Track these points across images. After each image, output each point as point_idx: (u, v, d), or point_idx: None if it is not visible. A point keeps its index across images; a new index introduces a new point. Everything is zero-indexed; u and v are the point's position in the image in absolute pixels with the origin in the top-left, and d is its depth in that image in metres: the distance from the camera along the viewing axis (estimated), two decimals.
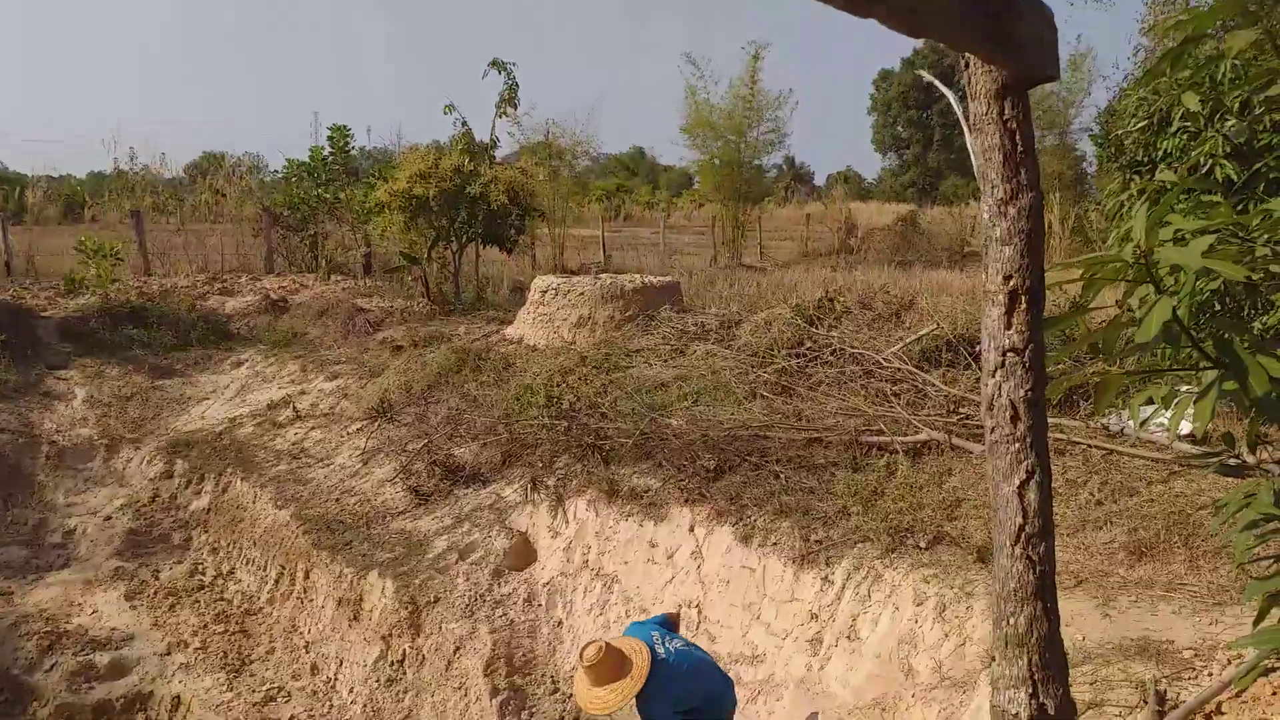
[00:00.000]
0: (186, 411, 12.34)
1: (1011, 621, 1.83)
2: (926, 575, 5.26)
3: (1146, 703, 3.64)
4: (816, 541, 5.94)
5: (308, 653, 7.60)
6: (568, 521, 7.49)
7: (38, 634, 7.87)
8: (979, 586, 5.01)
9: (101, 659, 7.61)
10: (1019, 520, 1.82)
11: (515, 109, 17.42)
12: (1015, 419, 1.83)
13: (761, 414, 7.83)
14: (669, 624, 5.07)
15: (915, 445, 6.94)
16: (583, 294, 11.92)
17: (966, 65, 1.90)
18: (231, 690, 7.27)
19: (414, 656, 6.91)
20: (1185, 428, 6.12)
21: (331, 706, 7.03)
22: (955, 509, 5.97)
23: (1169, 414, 2.35)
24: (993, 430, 1.87)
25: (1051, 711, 1.80)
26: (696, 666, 4.82)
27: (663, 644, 4.73)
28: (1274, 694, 3.38)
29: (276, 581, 8.43)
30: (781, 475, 6.83)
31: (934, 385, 7.94)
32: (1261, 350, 2.04)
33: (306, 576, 8.10)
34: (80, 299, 15.30)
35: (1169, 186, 3.19)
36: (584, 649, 4.59)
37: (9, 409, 11.46)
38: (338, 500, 8.96)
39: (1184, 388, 2.36)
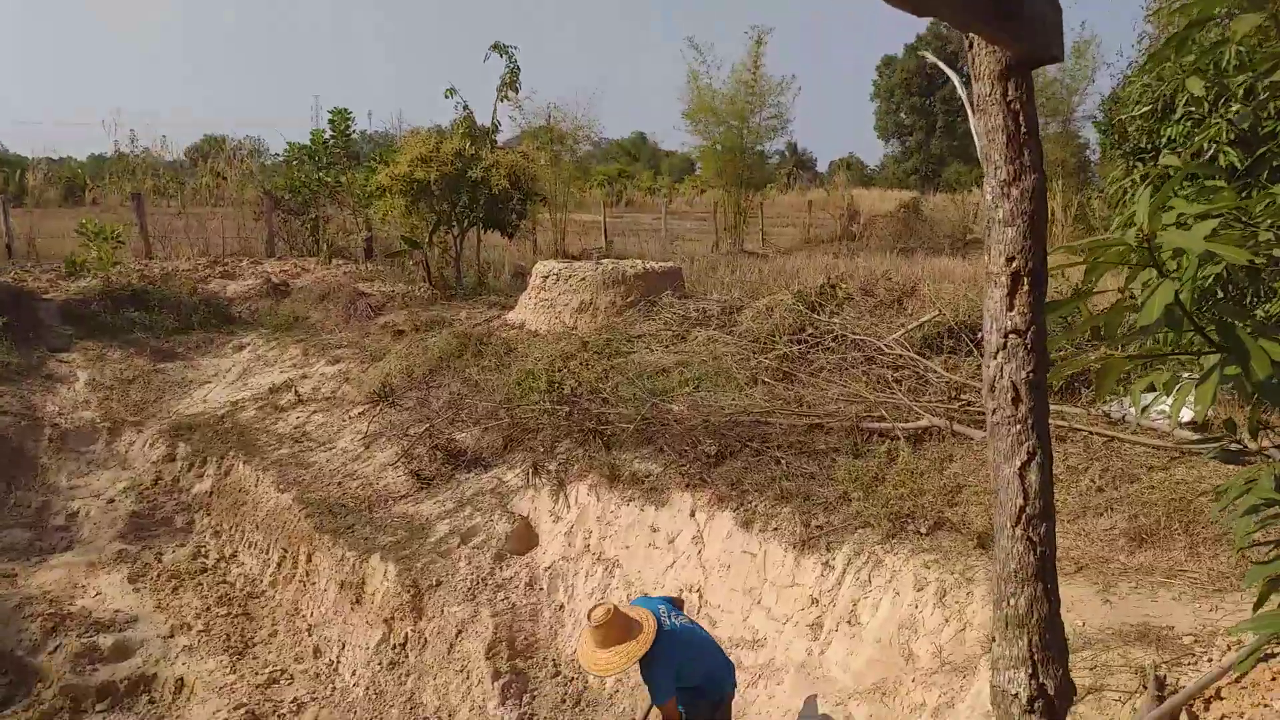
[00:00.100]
0: (188, 395, 12.36)
1: (1012, 602, 1.83)
2: (927, 561, 5.27)
3: (1146, 688, 3.65)
4: (817, 527, 5.96)
5: (310, 635, 7.63)
6: (569, 506, 7.51)
7: (41, 616, 7.91)
8: (979, 572, 5.03)
9: (105, 641, 7.65)
10: (1020, 501, 1.83)
11: (516, 93, 17.34)
12: (1017, 400, 1.83)
13: (763, 400, 7.84)
14: (675, 605, 5.11)
15: (916, 431, 6.95)
16: (584, 279, 11.91)
17: (970, 46, 1.89)
18: (234, 672, 7.30)
19: (416, 639, 6.94)
20: (1187, 415, 6.13)
21: (334, 689, 7.06)
22: (956, 495, 5.99)
23: (1170, 400, 2.36)
24: (994, 412, 1.87)
25: (1051, 692, 1.81)
26: (700, 644, 4.88)
27: (669, 618, 4.80)
28: (1273, 679, 3.40)
29: (279, 565, 8.46)
30: (782, 461, 6.84)
31: (935, 372, 7.94)
32: (1263, 335, 2.04)
33: (309, 560, 8.13)
34: (81, 282, 15.29)
35: (1172, 171, 3.19)
36: (592, 609, 4.63)
37: (11, 392, 11.48)
38: (340, 484, 8.98)
39: (1185, 375, 2.36)
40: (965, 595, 4.90)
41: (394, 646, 6.99)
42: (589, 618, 4.61)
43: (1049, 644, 1.82)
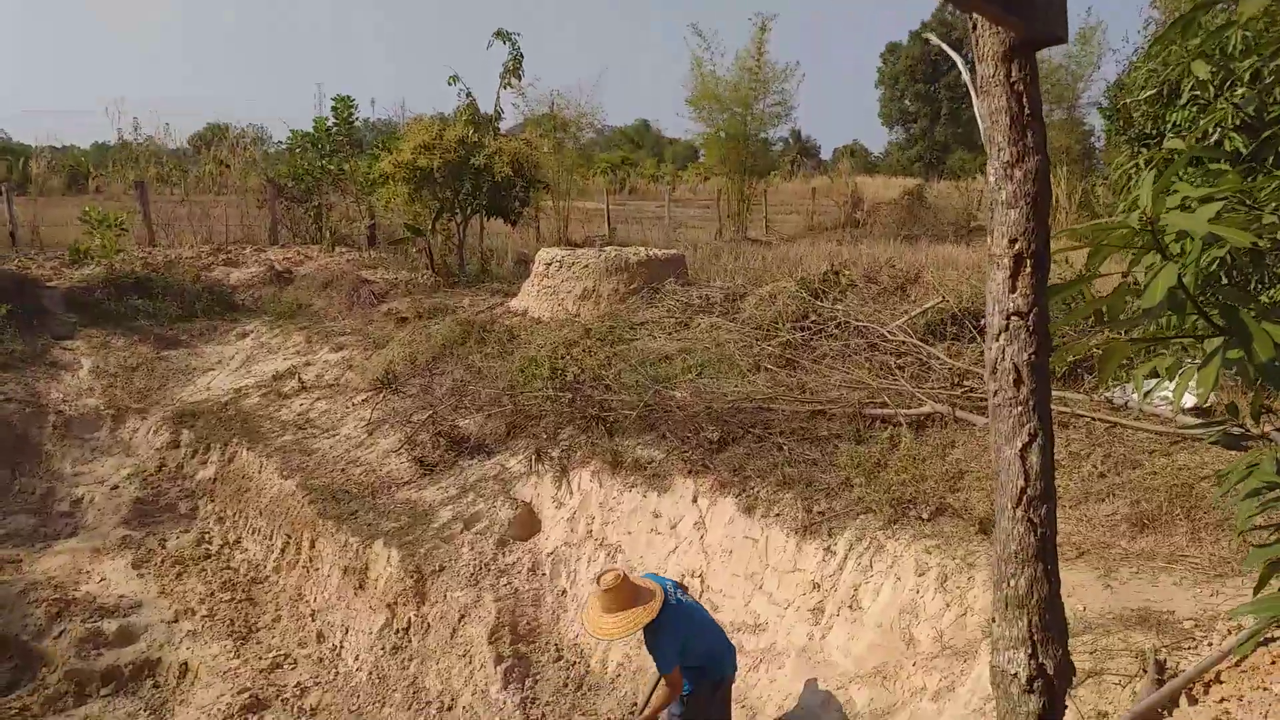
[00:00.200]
0: (192, 382, 12.38)
1: (1012, 583, 1.84)
2: (928, 546, 5.28)
3: (1146, 671, 3.66)
4: (819, 513, 5.97)
5: (314, 621, 7.66)
6: (572, 492, 7.52)
7: (46, 601, 7.95)
8: (981, 557, 5.04)
9: (110, 626, 7.68)
10: (1021, 483, 1.83)
11: (520, 80, 17.29)
12: (1018, 382, 1.83)
13: (765, 386, 7.84)
14: (679, 587, 5.16)
15: (919, 418, 6.95)
16: (587, 266, 11.91)
17: (974, 27, 1.88)
18: (238, 657, 7.33)
19: (419, 624, 6.96)
20: (1189, 400, 6.13)
21: (337, 673, 7.09)
22: (958, 481, 5.99)
23: (1173, 385, 2.35)
24: (996, 394, 1.87)
25: (1050, 672, 1.81)
26: (703, 623, 4.95)
27: (675, 594, 4.87)
28: (1273, 663, 3.40)
29: (282, 550, 8.49)
30: (785, 447, 6.85)
31: (938, 358, 7.94)
32: (1267, 318, 2.04)
33: (312, 546, 8.16)
34: (85, 269, 15.31)
35: (1176, 155, 3.17)
36: (602, 574, 4.69)
37: (16, 379, 11.51)
38: (343, 470, 9.00)
39: (1189, 360, 2.36)
40: (966, 580, 4.91)
41: (397, 631, 7.02)
42: (598, 582, 4.67)
43: (1049, 624, 1.82)
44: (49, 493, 9.90)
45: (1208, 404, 6.16)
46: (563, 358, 9.10)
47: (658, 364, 8.62)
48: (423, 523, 7.77)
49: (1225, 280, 5.68)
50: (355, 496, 8.42)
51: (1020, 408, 1.83)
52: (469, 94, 16.96)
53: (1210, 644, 3.81)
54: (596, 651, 6.33)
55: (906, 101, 55.67)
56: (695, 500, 6.69)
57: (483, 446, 8.58)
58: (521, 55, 16.98)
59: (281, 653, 7.40)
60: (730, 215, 25.14)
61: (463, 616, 6.74)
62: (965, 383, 7.50)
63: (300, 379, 11.41)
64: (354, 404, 10.33)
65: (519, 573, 7.12)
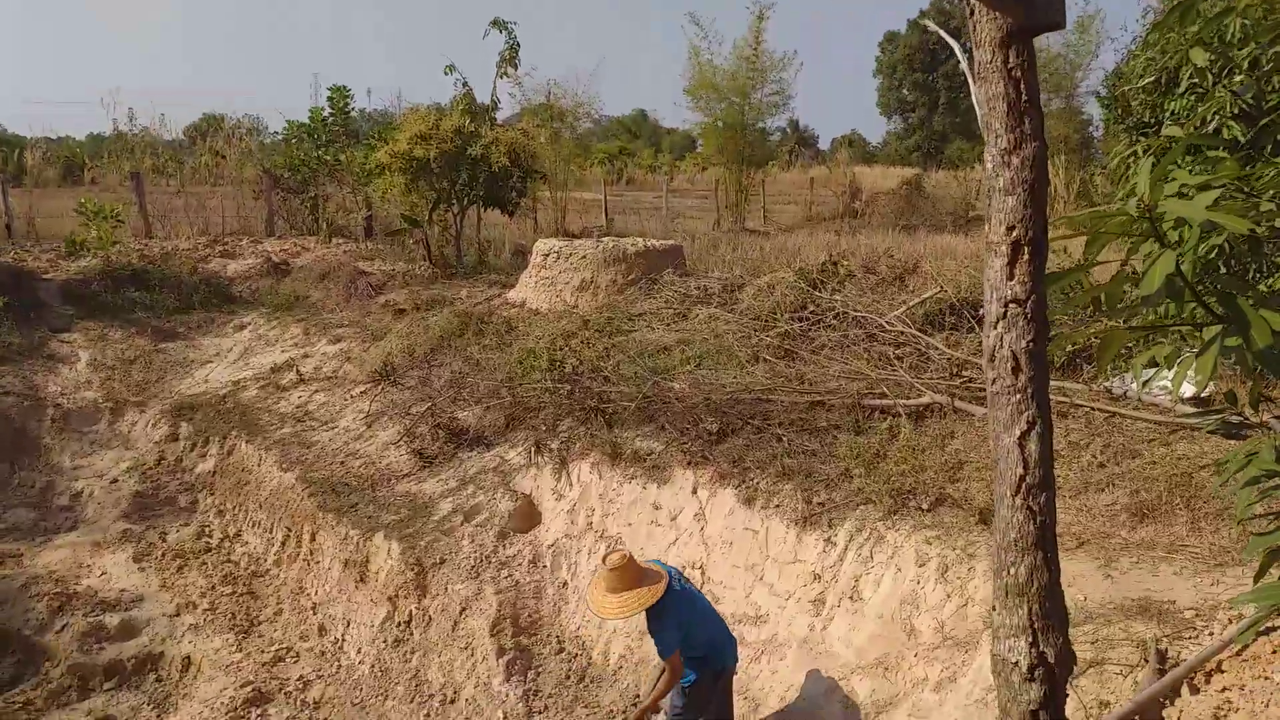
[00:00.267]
0: (190, 374, 12.38)
1: (1012, 571, 1.83)
2: (929, 537, 5.28)
3: (1147, 661, 3.67)
4: (819, 504, 5.96)
5: (315, 614, 7.67)
6: (571, 484, 7.52)
7: (48, 595, 7.96)
8: (981, 548, 5.04)
9: (111, 620, 7.69)
10: (1019, 471, 1.82)
11: (516, 69, 17.27)
12: (1017, 370, 1.83)
13: (764, 377, 7.84)
14: (683, 576, 5.19)
15: (918, 408, 6.94)
16: (585, 257, 11.89)
17: (972, 13, 1.87)
18: (241, 651, 7.34)
19: (420, 617, 6.97)
20: (1189, 390, 6.12)
21: (339, 666, 7.10)
22: (957, 471, 5.99)
23: (1171, 374, 2.35)
24: (994, 381, 1.87)
25: (1051, 660, 1.81)
26: (706, 612, 4.99)
27: (679, 581, 4.92)
28: (1274, 652, 3.41)
29: (283, 543, 8.49)
30: (784, 438, 6.84)
31: (937, 349, 7.93)
32: (1265, 306, 2.04)
33: (313, 539, 8.16)
34: (81, 261, 15.28)
35: (1174, 142, 3.16)
36: (608, 554, 4.74)
37: (13, 372, 11.50)
38: (342, 463, 9.00)
39: (1187, 350, 2.35)
40: (967, 571, 4.91)
41: (398, 624, 7.03)
42: (604, 561, 4.72)
43: (1049, 612, 1.82)
44: (48, 486, 9.90)
45: (1206, 393, 6.15)
46: (561, 349, 9.08)
47: (656, 355, 8.62)
48: (423, 515, 7.78)
49: (1223, 269, 5.67)
50: (355, 489, 8.42)
51: (1018, 395, 1.83)
52: (465, 84, 16.94)
53: (1211, 633, 3.81)
54: (598, 644, 6.34)
55: (905, 91, 55.56)
56: (695, 492, 6.69)
57: (482, 438, 8.57)
58: (518, 44, 16.99)
59: (283, 646, 7.41)
60: (728, 205, 25.09)
61: (464, 609, 6.75)
62: (964, 373, 7.50)
63: (298, 371, 11.40)
64: (352, 396, 10.33)
65: (520, 565, 7.12)
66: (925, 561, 5.12)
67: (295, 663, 7.23)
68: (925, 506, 5.61)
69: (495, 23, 16.77)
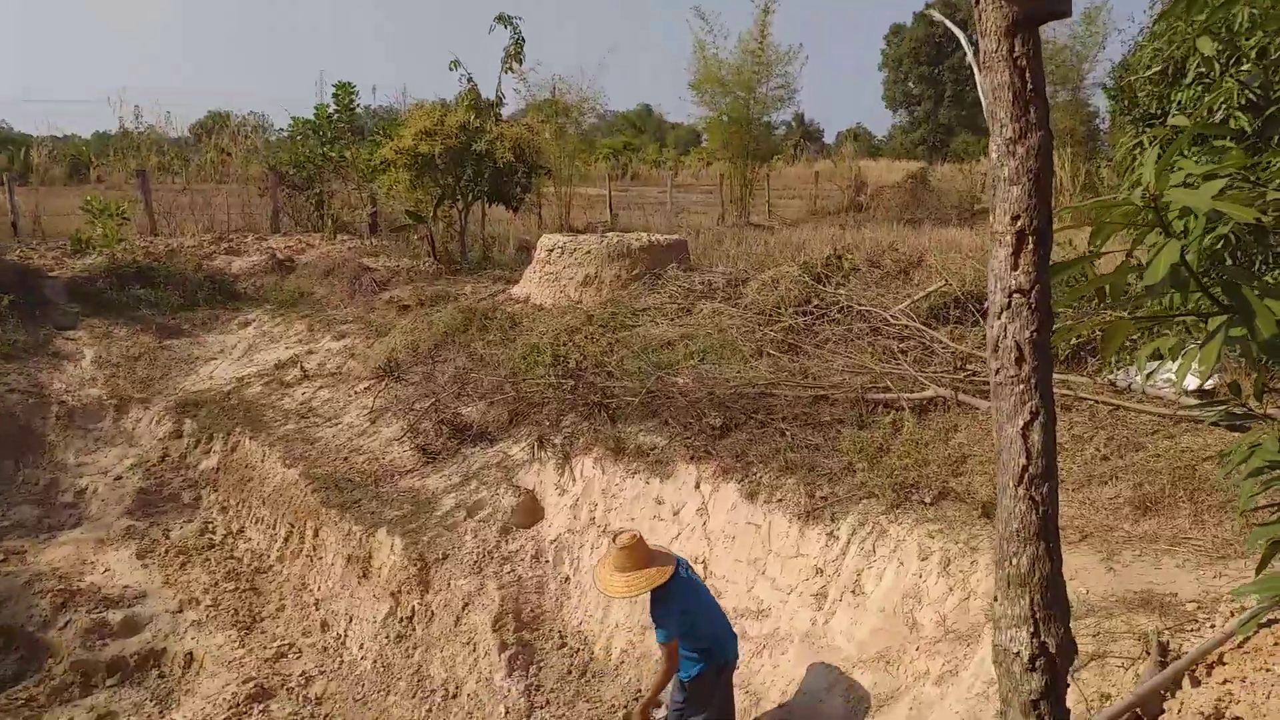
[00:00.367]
0: (194, 371, 12.39)
1: (1014, 562, 1.82)
2: (931, 530, 5.26)
3: (1149, 654, 3.65)
4: (822, 498, 5.95)
5: (318, 609, 7.68)
6: (574, 479, 7.51)
7: (51, 592, 7.97)
8: (984, 541, 5.02)
9: (114, 616, 7.70)
10: (1022, 461, 1.81)
11: (521, 64, 17.22)
12: (1020, 360, 1.81)
13: (768, 372, 7.82)
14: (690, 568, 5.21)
15: (921, 402, 6.93)
16: (589, 253, 11.87)
17: (977, 1, 1.85)
18: (243, 646, 7.35)
19: (423, 612, 6.97)
20: (1192, 383, 6.10)
21: (342, 662, 7.11)
22: (961, 465, 5.97)
23: (1175, 366, 2.33)
24: (998, 372, 1.85)
25: (1052, 650, 1.80)
26: (710, 605, 4.99)
27: (686, 570, 4.95)
28: (1276, 644, 3.39)
29: (286, 540, 8.50)
30: (787, 432, 6.83)
31: (941, 342, 7.91)
32: (1270, 296, 2.02)
33: (316, 534, 8.17)
34: (87, 259, 15.29)
35: (1180, 131, 3.14)
36: (620, 533, 4.76)
37: (18, 369, 11.52)
38: (346, 459, 9.01)
39: (1191, 343, 2.34)
40: (969, 564, 4.90)
41: (401, 619, 7.03)
42: (614, 540, 4.74)
43: (1051, 602, 1.81)
44: (53, 483, 9.92)
45: (1211, 385, 6.13)
46: (565, 345, 9.08)
47: (660, 350, 8.61)
48: (426, 511, 7.78)
49: (1229, 260, 5.64)
50: (358, 485, 8.42)
51: (1022, 385, 1.82)
52: (470, 79, 16.89)
53: (1213, 626, 3.79)
54: (600, 639, 6.34)
55: (910, 84, 55.42)
56: (698, 486, 6.68)
57: (485, 434, 8.57)
58: (523, 39, 16.91)
59: (286, 642, 7.42)
60: (733, 200, 25.06)
61: (466, 604, 6.75)
62: (968, 366, 7.48)
63: (302, 367, 11.41)
64: (356, 392, 10.33)
65: (522, 560, 7.12)
66: (928, 555, 5.10)
67: (298, 659, 7.23)
68: (928, 500, 5.60)
69: (500, 18, 16.72)
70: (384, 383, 10.06)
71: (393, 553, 7.34)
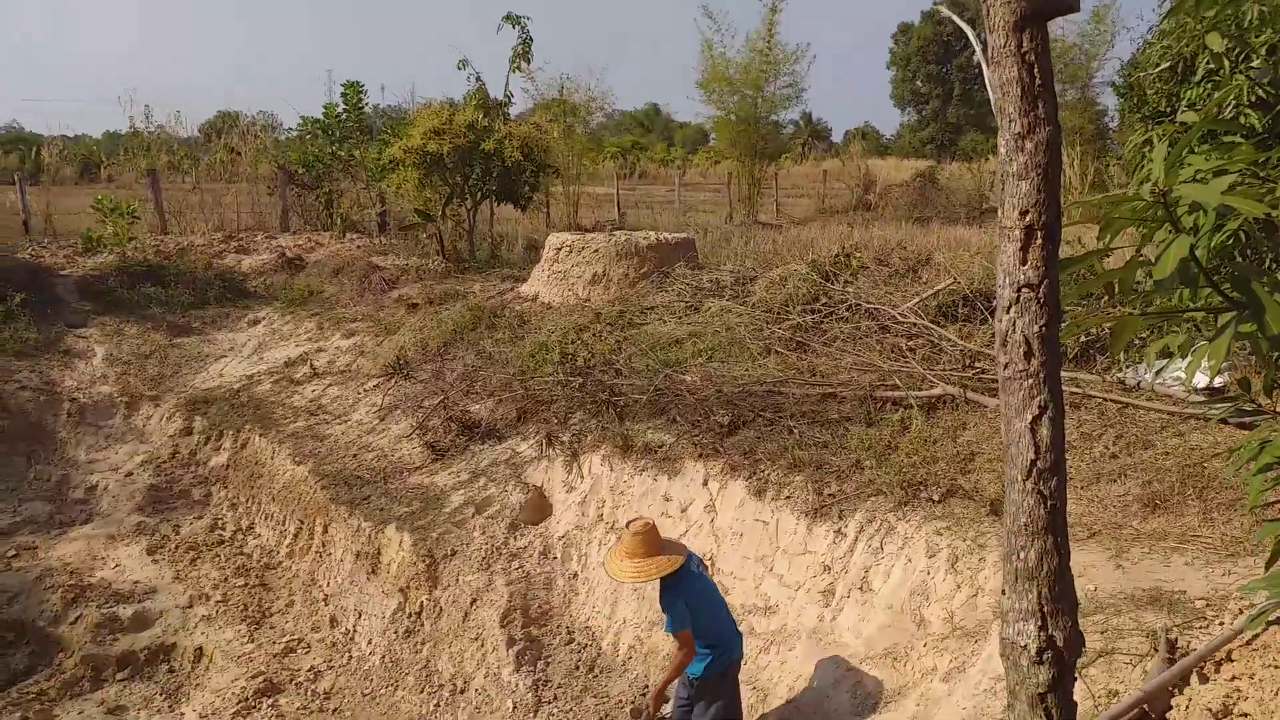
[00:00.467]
0: (205, 369, 12.44)
1: (1022, 556, 1.83)
2: (939, 528, 5.27)
3: (1157, 650, 3.65)
4: (829, 495, 5.96)
5: (327, 605, 7.71)
6: (582, 476, 7.53)
7: (62, 587, 8.01)
8: (991, 539, 5.03)
9: (125, 611, 7.74)
10: (1031, 455, 1.82)
11: (529, 64, 17.22)
12: (1029, 355, 1.82)
13: (776, 370, 7.83)
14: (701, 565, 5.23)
15: (930, 400, 6.93)
16: (597, 251, 11.88)
17: None
18: (252, 642, 7.39)
19: (431, 608, 7.00)
20: (1201, 380, 6.08)
21: (350, 657, 7.14)
22: (969, 462, 5.97)
23: (1185, 364, 2.33)
24: (1006, 366, 1.86)
25: (1060, 643, 1.80)
26: (718, 603, 5.00)
27: (698, 565, 5.00)
28: None
29: (295, 536, 8.53)
30: (795, 430, 6.84)
31: (949, 340, 7.91)
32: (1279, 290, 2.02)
33: (325, 531, 8.20)
34: (98, 257, 15.36)
35: (1189, 127, 3.13)
36: (633, 520, 4.79)
37: (30, 367, 11.58)
38: (355, 456, 9.04)
39: (1200, 341, 2.34)
40: (977, 561, 4.90)
41: (410, 615, 7.06)
42: (627, 527, 4.77)
43: (1058, 596, 1.81)
44: (64, 480, 9.98)
45: (1220, 383, 6.11)
46: (573, 342, 9.10)
47: (668, 348, 8.62)
48: (434, 507, 7.80)
49: (1238, 256, 5.62)
50: (367, 482, 8.45)
51: (1030, 380, 1.82)
52: (478, 78, 16.90)
53: (1222, 623, 3.79)
54: (608, 634, 6.36)
55: (918, 83, 55.24)
56: (706, 483, 6.69)
57: (494, 431, 8.59)
58: (531, 39, 16.92)
59: (295, 637, 7.45)
60: (741, 199, 25.03)
61: (475, 600, 6.77)
62: (977, 364, 7.47)
63: (312, 365, 11.45)
64: (365, 390, 10.36)
65: (530, 556, 7.14)
66: (935, 552, 5.11)
67: (306, 653, 7.27)
68: (936, 498, 5.60)
69: (508, 18, 16.74)
70: (393, 380, 10.09)
71: (401, 549, 7.37)
